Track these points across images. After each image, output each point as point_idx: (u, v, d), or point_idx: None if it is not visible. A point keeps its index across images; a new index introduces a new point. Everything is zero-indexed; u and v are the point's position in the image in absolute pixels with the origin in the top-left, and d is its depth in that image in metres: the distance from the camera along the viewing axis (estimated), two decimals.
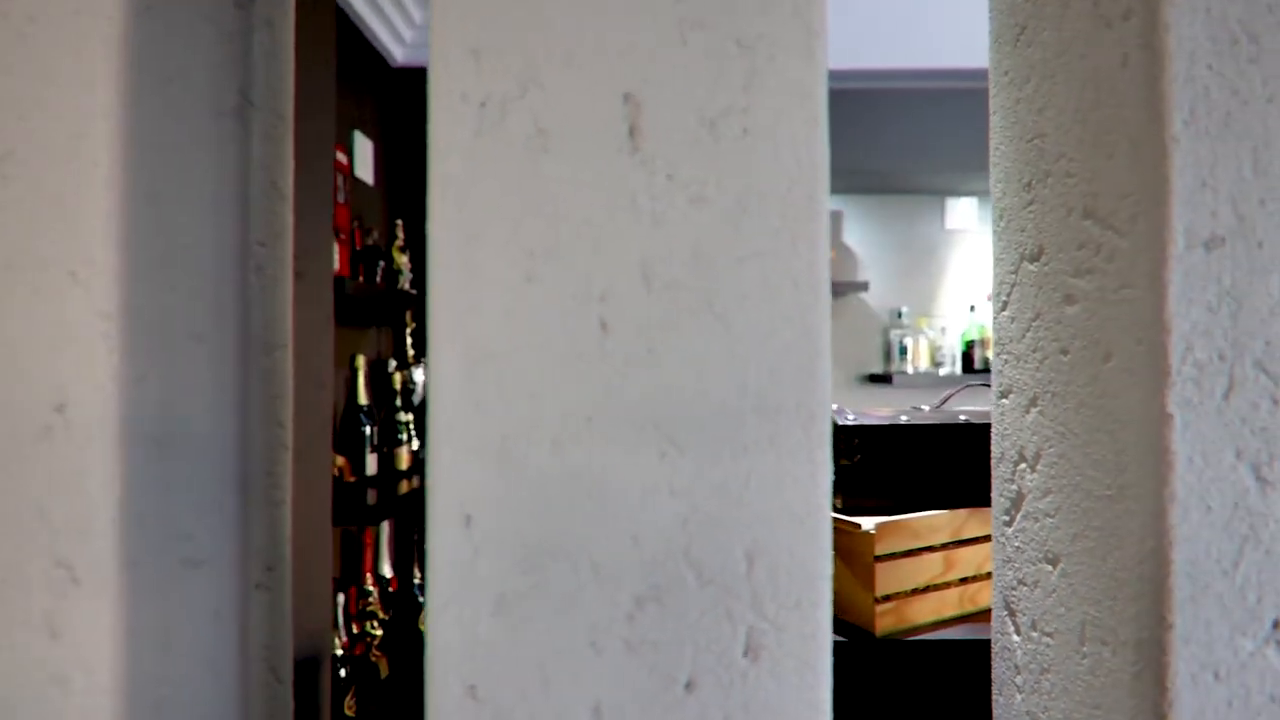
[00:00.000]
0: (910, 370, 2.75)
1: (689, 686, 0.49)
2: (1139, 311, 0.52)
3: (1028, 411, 0.67)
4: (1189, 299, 0.50)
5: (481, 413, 0.50)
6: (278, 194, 0.75)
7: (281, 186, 0.76)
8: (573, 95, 0.50)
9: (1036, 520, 0.65)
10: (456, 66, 0.51)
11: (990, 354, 2.75)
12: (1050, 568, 0.63)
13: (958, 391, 1.30)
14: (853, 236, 2.95)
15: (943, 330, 2.87)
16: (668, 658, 0.49)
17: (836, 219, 2.96)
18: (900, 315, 2.81)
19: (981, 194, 2.92)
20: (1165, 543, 0.50)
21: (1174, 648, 0.50)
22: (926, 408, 1.10)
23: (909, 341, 2.76)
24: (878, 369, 2.87)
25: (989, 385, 0.79)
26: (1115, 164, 0.54)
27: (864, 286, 2.73)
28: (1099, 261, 0.56)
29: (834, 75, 2.25)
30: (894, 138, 2.58)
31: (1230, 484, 0.50)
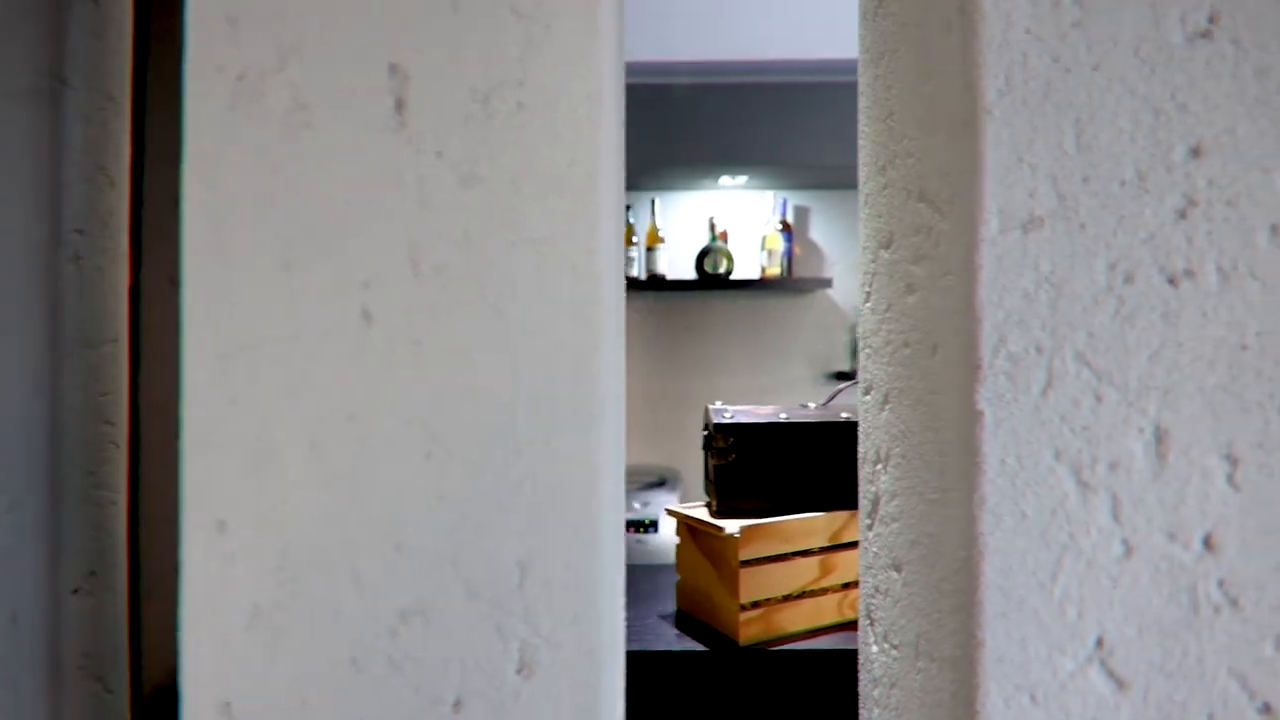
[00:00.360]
0: (848, 368, 2.71)
1: (457, 706, 0.45)
2: (957, 300, 0.48)
3: (882, 409, 0.62)
4: (1003, 286, 0.46)
5: (235, 410, 0.46)
6: (105, 179, 0.71)
7: (112, 172, 0.72)
8: (335, 67, 0.46)
9: (886, 525, 0.61)
10: (212, 35, 0.46)
11: None
12: (896, 575, 0.59)
13: (845, 388, 1.26)
14: (819, 232, 2.91)
15: None
16: (434, 676, 0.45)
17: (803, 215, 2.91)
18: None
19: None
20: (975, 552, 0.46)
21: (985, 667, 0.46)
22: (813, 405, 1.06)
23: None
24: (845, 366, 2.83)
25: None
26: (938, 140, 0.50)
27: (828, 283, 2.68)
28: (928, 247, 0.52)
29: (801, 68, 2.20)
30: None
31: (1048, 488, 0.46)
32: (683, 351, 2.88)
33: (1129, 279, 0.46)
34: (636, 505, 2.51)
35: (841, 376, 2.81)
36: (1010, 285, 0.46)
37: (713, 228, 2.73)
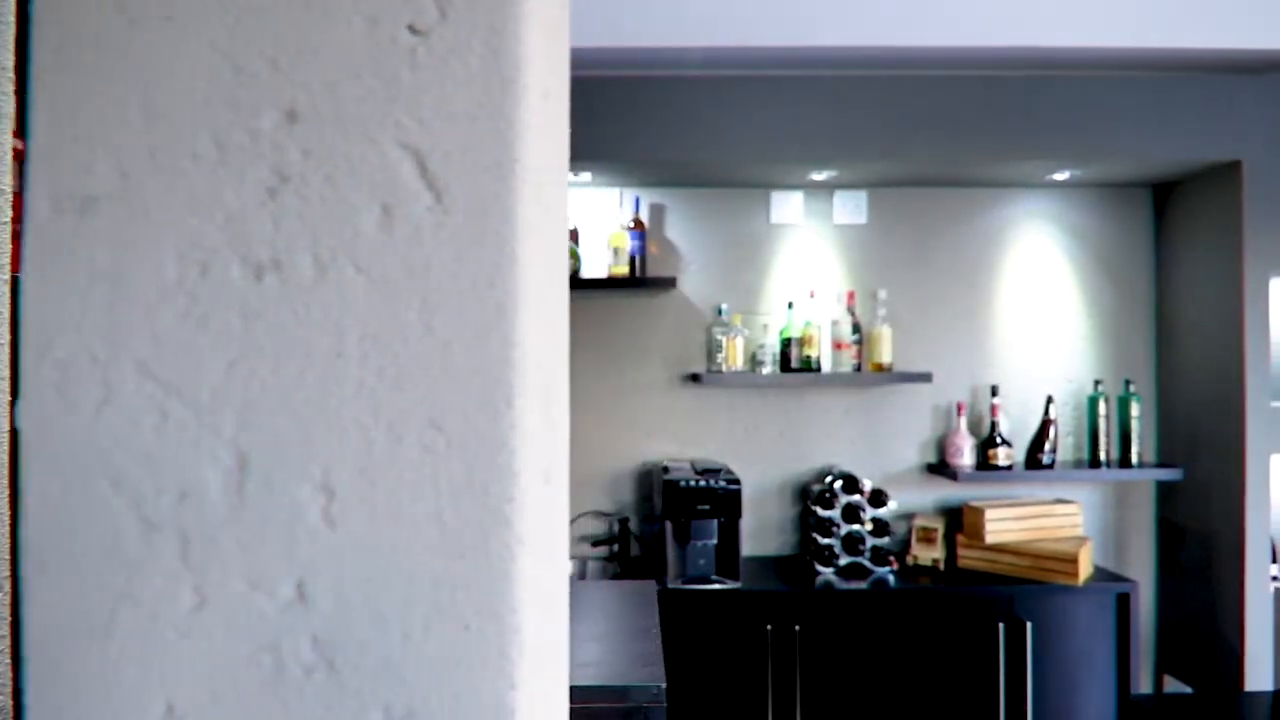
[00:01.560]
0: (724, 369, 2.64)
1: None
2: None
3: None
4: (51, 281, 0.38)
5: None
6: None
7: None
8: None
9: None
10: None
11: (811, 353, 2.63)
12: None
13: None
14: (675, 231, 2.84)
15: (764, 328, 2.76)
16: None
17: (659, 213, 2.84)
18: (720, 312, 2.70)
19: (807, 187, 2.82)
20: (11, 602, 0.38)
21: None
22: None
23: (724, 339, 2.65)
24: (700, 368, 2.76)
25: None
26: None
27: (671, 283, 2.61)
28: None
29: (646, 59, 2.09)
30: (715, 127, 2.47)
31: (102, 525, 0.38)
32: None
33: (204, 271, 0.38)
34: None
35: (693, 379, 2.74)
36: (61, 280, 0.38)
37: None
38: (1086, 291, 2.86)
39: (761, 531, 2.83)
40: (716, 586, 2.39)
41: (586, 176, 2.66)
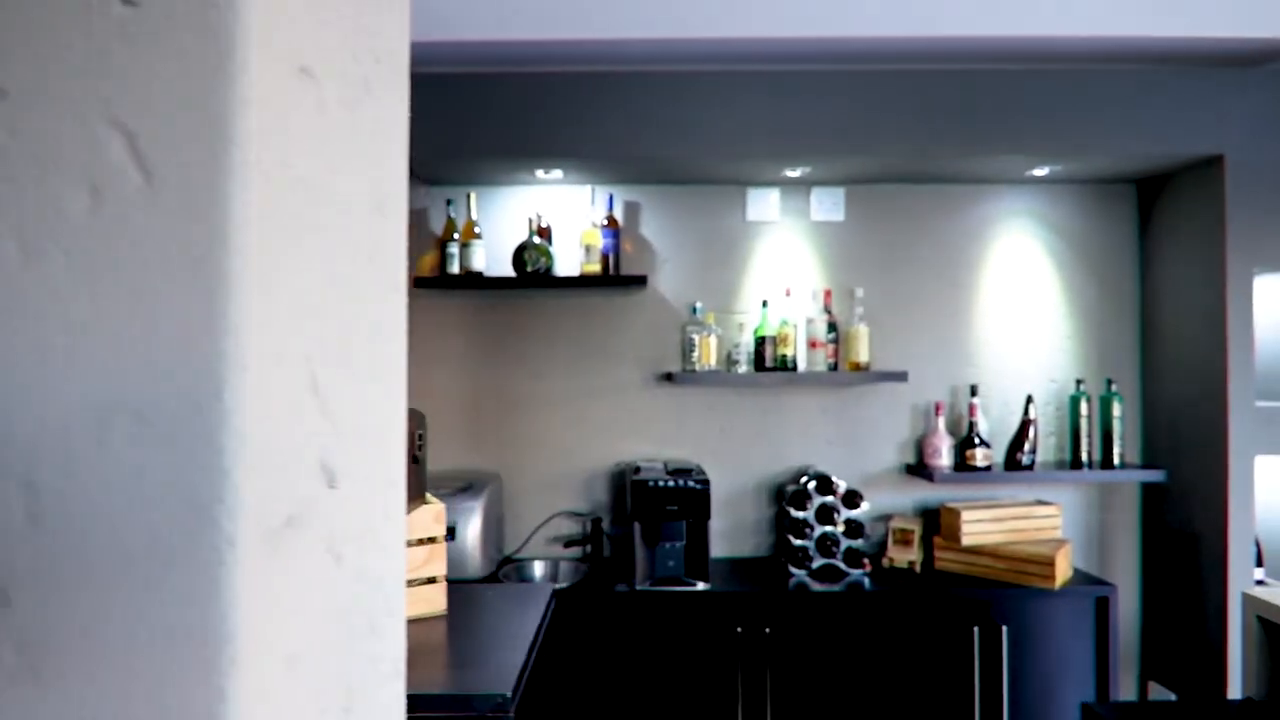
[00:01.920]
0: (698, 368, 2.61)
1: None
2: None
3: None
4: None
5: None
6: None
7: None
8: None
9: None
10: None
11: (786, 351, 2.59)
12: None
13: None
14: (650, 228, 2.81)
15: (740, 327, 2.72)
16: None
17: (634, 210, 2.81)
18: (695, 311, 2.67)
19: (784, 184, 2.78)
20: None
21: None
22: None
23: (697, 338, 2.61)
24: (675, 367, 2.73)
25: None
26: None
27: (643, 281, 2.59)
28: None
29: (616, 55, 2.05)
30: (687, 123, 2.44)
31: None
32: (507, 352, 2.78)
33: None
34: None
35: (668, 378, 2.71)
36: None
37: (530, 223, 2.63)
38: (1069, 289, 2.80)
39: (738, 533, 2.80)
40: (684, 589, 2.36)
41: (558, 174, 2.64)
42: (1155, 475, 2.61)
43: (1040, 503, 2.63)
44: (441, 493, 2.47)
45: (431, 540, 1.57)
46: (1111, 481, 2.76)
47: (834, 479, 2.58)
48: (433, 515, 1.58)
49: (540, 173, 2.61)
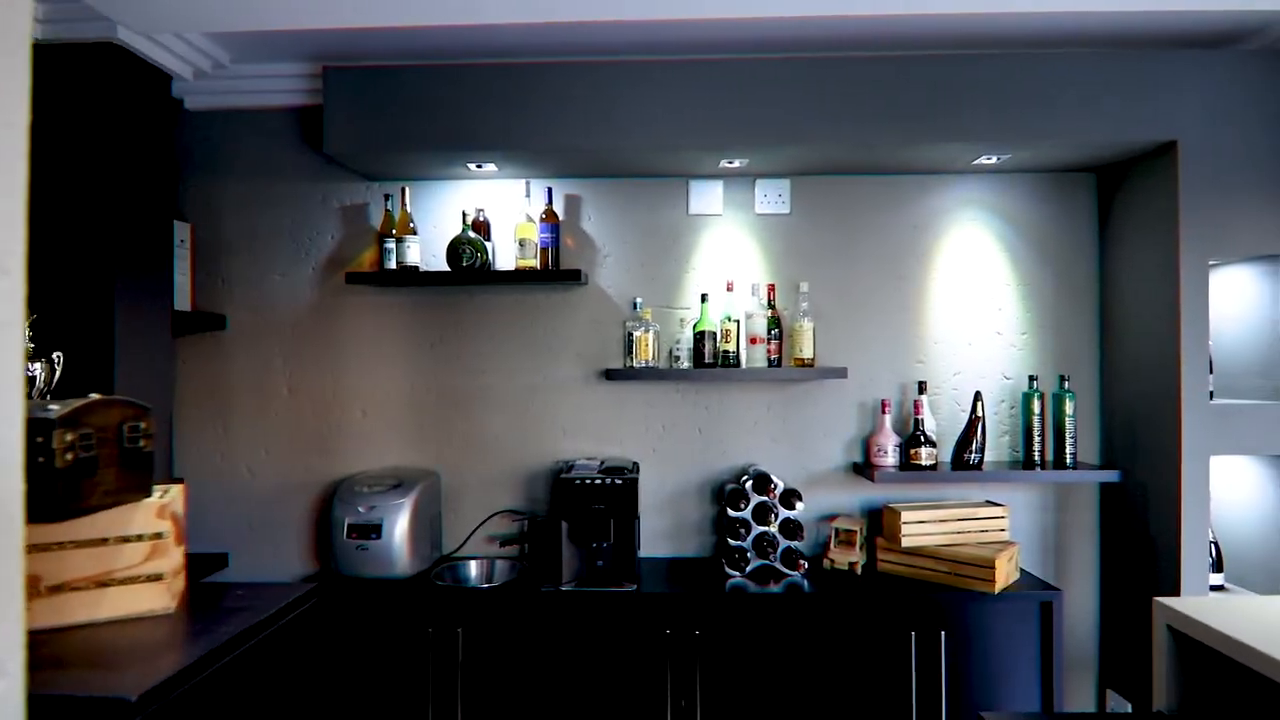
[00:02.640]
0: (635, 365, 2.55)
1: None
2: None
3: None
4: None
5: None
6: None
7: None
8: None
9: None
10: None
11: (728, 347, 2.53)
12: None
13: None
14: (591, 223, 2.75)
15: (681, 322, 2.66)
16: None
17: (574, 204, 2.76)
18: (635, 306, 2.61)
19: (727, 176, 2.71)
20: None
21: None
22: None
23: (635, 334, 2.56)
24: (618, 364, 2.68)
25: None
26: None
27: (579, 276, 2.53)
28: None
29: (551, 46, 2.01)
30: (620, 114, 2.38)
31: None
32: (447, 349, 2.75)
33: None
34: (361, 509, 2.39)
35: (609, 375, 2.66)
36: None
37: (465, 218, 2.59)
38: (1026, 283, 2.71)
39: (681, 532, 2.74)
40: (611, 590, 2.31)
41: (492, 168, 2.60)
42: (1110, 476, 2.51)
43: (990, 504, 2.54)
44: (371, 491, 2.45)
45: (157, 536, 1.51)
46: (1065, 482, 2.66)
47: (773, 478, 2.51)
48: (154, 510, 1.53)
49: (473, 166, 2.58)
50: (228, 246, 2.75)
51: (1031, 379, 2.60)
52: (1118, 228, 2.60)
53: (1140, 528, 2.48)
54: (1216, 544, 2.42)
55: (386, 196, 2.67)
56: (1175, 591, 2.31)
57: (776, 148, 2.41)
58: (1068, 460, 2.52)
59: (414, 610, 2.31)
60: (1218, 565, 2.41)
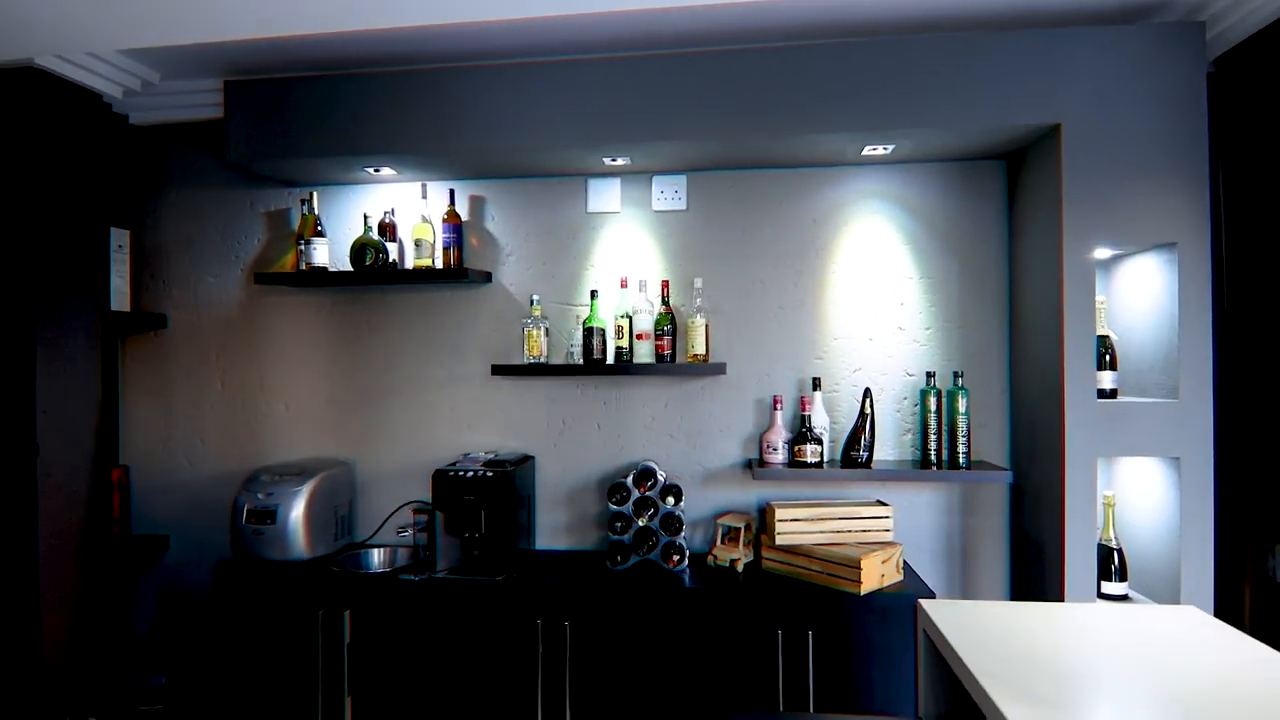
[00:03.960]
0: (526, 360, 2.60)
1: None
2: None
3: None
4: None
5: None
6: None
7: None
8: None
9: None
10: None
11: (622, 344, 2.56)
12: None
13: None
14: (494, 223, 2.81)
15: (578, 319, 2.69)
16: None
17: (478, 204, 2.83)
18: (532, 303, 2.67)
19: (625, 174, 2.72)
20: None
21: None
22: None
23: (528, 330, 2.61)
24: (520, 359, 2.73)
25: None
26: None
27: (475, 275, 2.60)
28: None
29: (435, 54, 2.12)
30: (505, 115, 2.43)
31: None
32: (359, 346, 2.88)
33: None
34: (260, 496, 2.54)
35: (500, 371, 2.72)
36: None
37: (365, 220, 2.71)
38: (930, 277, 2.62)
39: (581, 526, 2.78)
40: (478, 578, 2.37)
41: (390, 172, 2.71)
42: (1002, 477, 2.40)
43: (880, 503, 2.47)
44: (272, 479, 2.59)
45: None
46: (960, 482, 2.56)
47: (656, 473, 2.52)
48: None
49: (371, 170, 2.69)
50: (167, 250, 2.96)
51: (929, 375, 2.52)
52: (1020, 218, 2.49)
53: (1036, 532, 2.37)
54: (1120, 550, 2.28)
55: (302, 201, 2.82)
56: (1059, 599, 2.19)
57: (650, 144, 2.42)
58: (960, 460, 2.42)
59: (307, 593, 2.43)
60: (1121, 573, 2.27)
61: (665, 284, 2.64)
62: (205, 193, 2.94)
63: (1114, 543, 2.28)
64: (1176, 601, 2.16)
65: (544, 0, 2.04)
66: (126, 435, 2.99)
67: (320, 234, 2.74)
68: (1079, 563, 2.17)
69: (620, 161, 2.57)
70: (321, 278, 2.72)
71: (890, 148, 2.42)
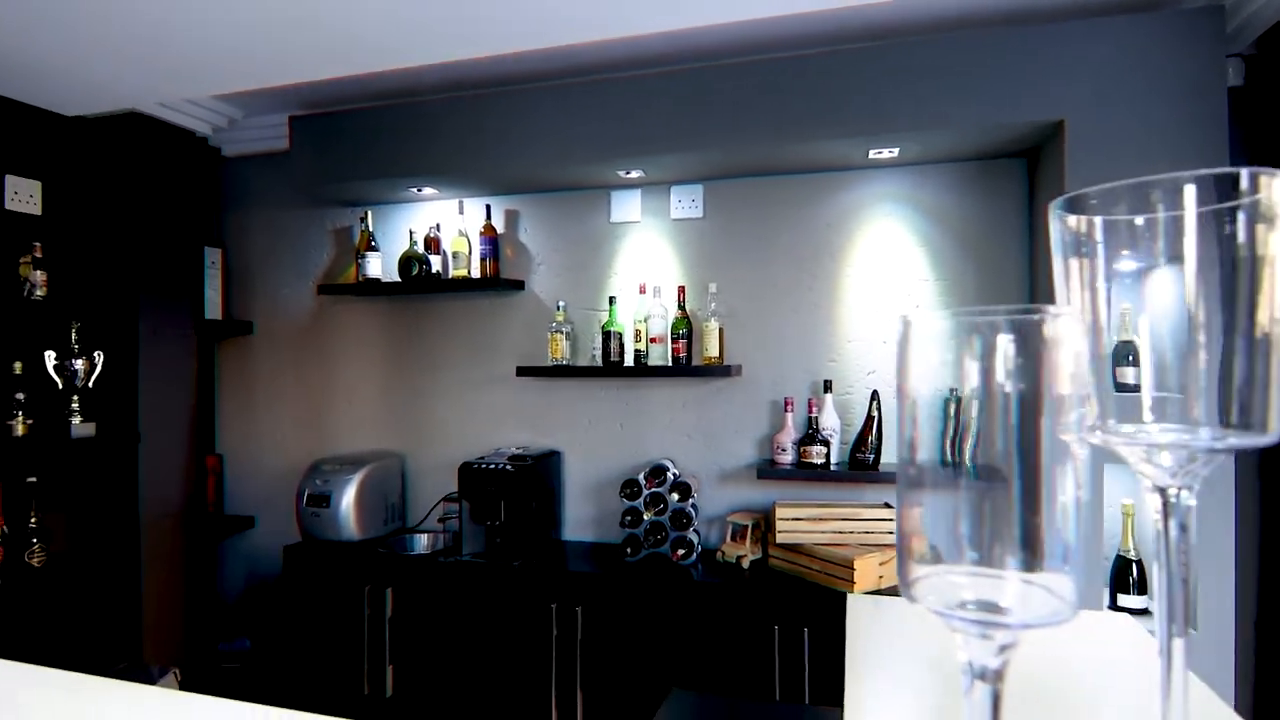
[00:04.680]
0: (549, 363, 2.78)
1: None
2: None
3: None
4: None
5: None
6: None
7: None
8: None
9: None
10: None
11: (640, 347, 2.71)
12: None
13: None
14: (527, 234, 3.01)
15: (600, 323, 2.84)
16: None
17: (513, 217, 3.04)
18: (558, 308, 2.84)
19: (645, 185, 2.84)
20: None
21: None
22: None
23: (551, 334, 2.78)
24: (546, 361, 2.92)
25: None
26: None
27: (518, 284, 2.82)
28: None
29: (467, 80, 2.45)
30: (532, 135, 2.62)
31: None
32: (410, 349, 3.16)
33: None
34: (318, 482, 2.86)
35: (524, 371, 2.91)
36: None
37: (411, 235, 2.99)
38: (946, 278, 2.59)
39: (604, 520, 2.93)
40: (494, 563, 2.57)
41: (432, 191, 2.96)
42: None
43: (887, 505, 2.47)
44: (329, 469, 2.91)
45: None
46: None
47: (670, 470, 2.64)
48: None
49: (415, 190, 2.96)
50: (252, 265, 3.37)
51: None
52: (1037, 217, 2.42)
53: None
54: (1139, 563, 2.19)
55: (360, 219, 3.13)
56: None
57: (665, 156, 2.54)
58: None
59: (356, 571, 2.73)
60: (1140, 586, 2.18)
61: (681, 289, 2.75)
62: (283, 213, 3.32)
63: (1133, 554, 2.19)
64: (1194, 624, 2.05)
65: (581, 27, 2.21)
66: (221, 427, 3.42)
67: (374, 248, 3.04)
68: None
69: (635, 174, 2.71)
70: (374, 288, 3.02)
71: (895, 151, 2.43)
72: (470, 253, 2.93)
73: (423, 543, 3.00)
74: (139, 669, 2.58)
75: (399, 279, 3.01)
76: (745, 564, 2.54)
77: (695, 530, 2.61)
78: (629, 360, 2.78)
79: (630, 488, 2.64)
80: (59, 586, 2.69)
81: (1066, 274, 0.46)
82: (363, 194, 3.04)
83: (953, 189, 2.57)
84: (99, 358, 2.78)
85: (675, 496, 2.60)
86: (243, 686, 3.13)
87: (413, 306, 3.16)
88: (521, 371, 2.87)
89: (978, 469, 0.39)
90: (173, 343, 2.98)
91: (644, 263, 2.88)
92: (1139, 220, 0.43)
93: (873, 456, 2.48)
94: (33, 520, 2.60)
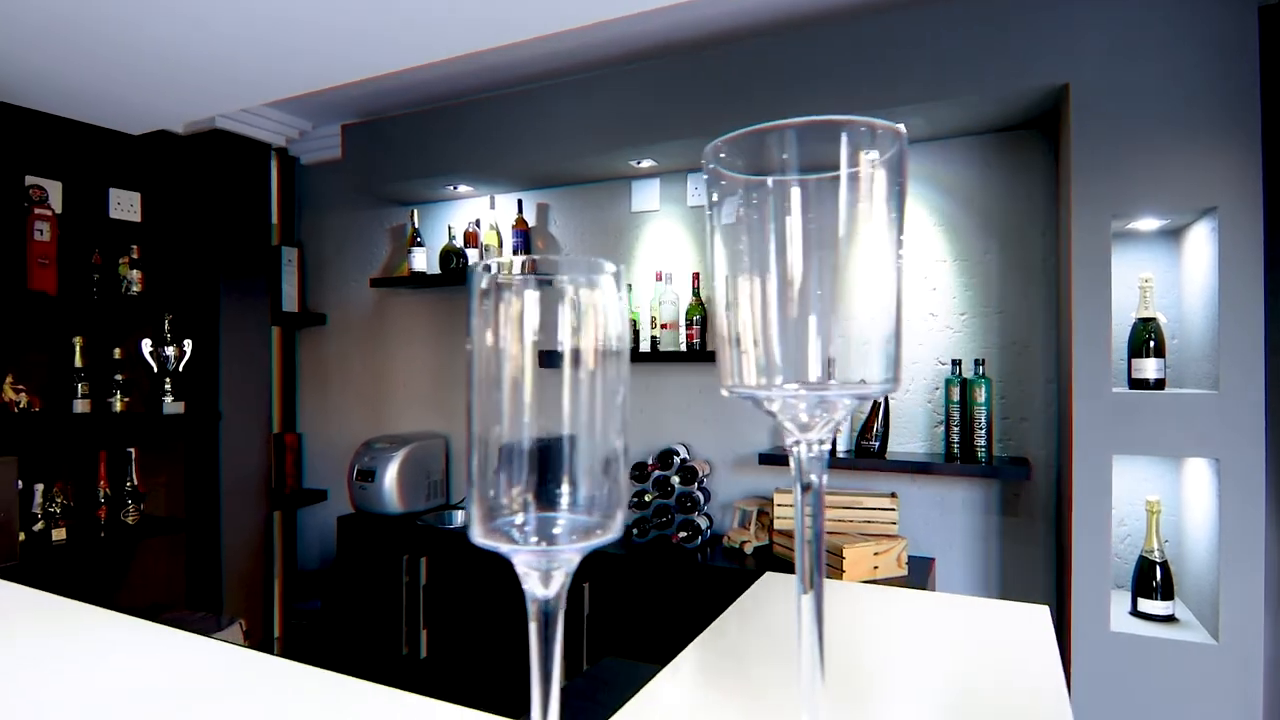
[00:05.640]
0: None
1: None
2: None
3: None
4: None
5: None
6: None
7: None
8: None
9: None
10: None
11: (653, 332, 2.78)
12: None
13: None
14: (556, 226, 3.10)
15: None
16: None
17: (544, 210, 3.15)
18: None
19: (662, 174, 2.85)
20: None
21: None
22: None
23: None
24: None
25: None
26: None
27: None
28: None
29: (490, 82, 2.70)
30: (548, 130, 2.74)
31: None
32: (453, 335, 3.37)
33: None
34: (366, 459, 3.12)
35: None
36: None
37: (449, 230, 3.18)
38: (965, 259, 2.45)
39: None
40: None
41: (467, 189, 3.14)
42: (1017, 474, 2.19)
43: (892, 495, 2.38)
44: (378, 447, 3.16)
45: None
46: (977, 477, 2.36)
47: (677, 454, 2.67)
48: None
49: (451, 188, 3.15)
50: (326, 262, 3.70)
51: (955, 364, 2.37)
52: (1063, 188, 2.24)
53: (1060, 537, 2.14)
54: (1164, 565, 2.00)
55: (410, 217, 3.37)
56: (1068, 614, 1.98)
57: (668, 143, 2.57)
58: (979, 455, 2.26)
59: (396, 541, 2.96)
60: (1165, 591, 1.99)
61: (695, 275, 2.77)
62: (349, 214, 3.62)
63: (1157, 555, 2.00)
64: (1217, 629, 1.85)
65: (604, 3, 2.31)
66: (301, 408, 3.79)
67: (419, 244, 3.26)
68: (1090, 573, 1.94)
69: (647, 163, 2.75)
70: (419, 280, 3.24)
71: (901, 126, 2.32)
72: (499, 246, 3.09)
73: (459, 517, 3.19)
74: (211, 619, 2.93)
75: (440, 272, 3.22)
76: (749, 550, 2.53)
77: (706, 515, 2.63)
78: (644, 346, 2.83)
79: (638, 470, 2.70)
80: (151, 542, 3.10)
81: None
82: (407, 193, 3.27)
83: (971, 162, 2.43)
84: (188, 345, 3.17)
85: (679, 480, 2.63)
86: (302, 643, 3.46)
87: (451, 298, 3.36)
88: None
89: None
90: (250, 332, 3.34)
91: (661, 250, 2.92)
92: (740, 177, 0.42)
93: (878, 444, 2.39)
94: (129, 484, 3.01)
